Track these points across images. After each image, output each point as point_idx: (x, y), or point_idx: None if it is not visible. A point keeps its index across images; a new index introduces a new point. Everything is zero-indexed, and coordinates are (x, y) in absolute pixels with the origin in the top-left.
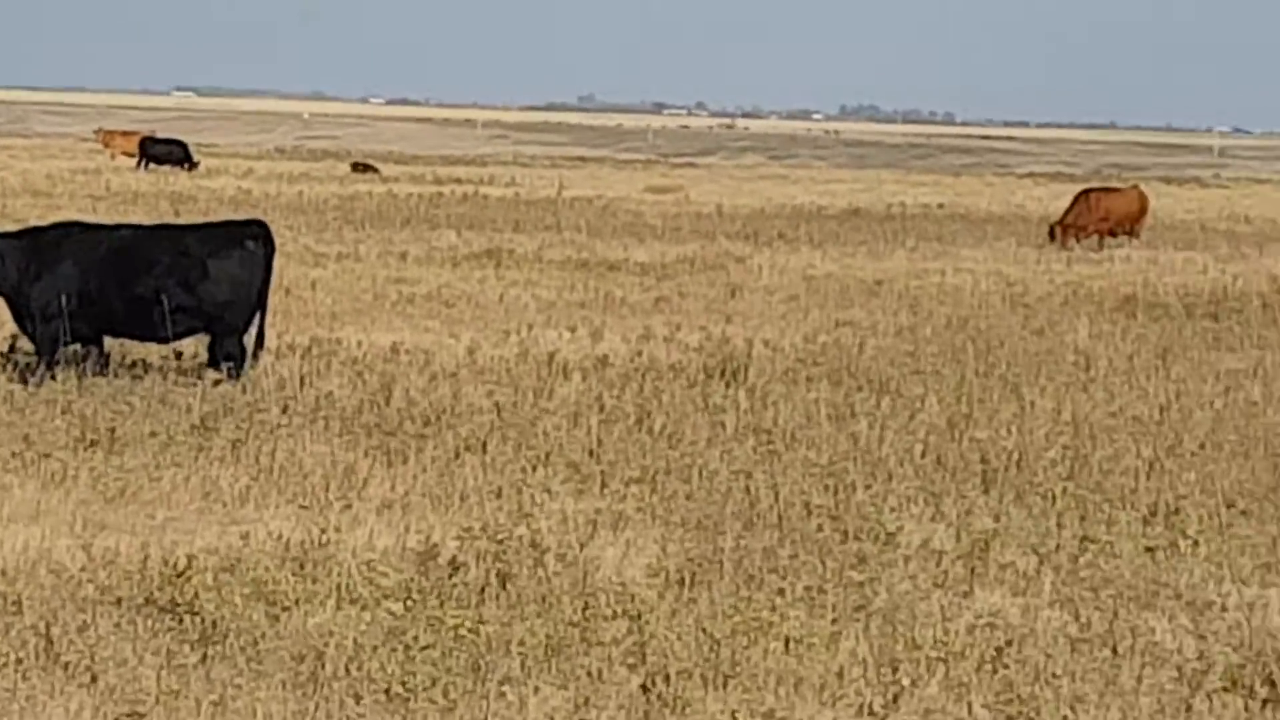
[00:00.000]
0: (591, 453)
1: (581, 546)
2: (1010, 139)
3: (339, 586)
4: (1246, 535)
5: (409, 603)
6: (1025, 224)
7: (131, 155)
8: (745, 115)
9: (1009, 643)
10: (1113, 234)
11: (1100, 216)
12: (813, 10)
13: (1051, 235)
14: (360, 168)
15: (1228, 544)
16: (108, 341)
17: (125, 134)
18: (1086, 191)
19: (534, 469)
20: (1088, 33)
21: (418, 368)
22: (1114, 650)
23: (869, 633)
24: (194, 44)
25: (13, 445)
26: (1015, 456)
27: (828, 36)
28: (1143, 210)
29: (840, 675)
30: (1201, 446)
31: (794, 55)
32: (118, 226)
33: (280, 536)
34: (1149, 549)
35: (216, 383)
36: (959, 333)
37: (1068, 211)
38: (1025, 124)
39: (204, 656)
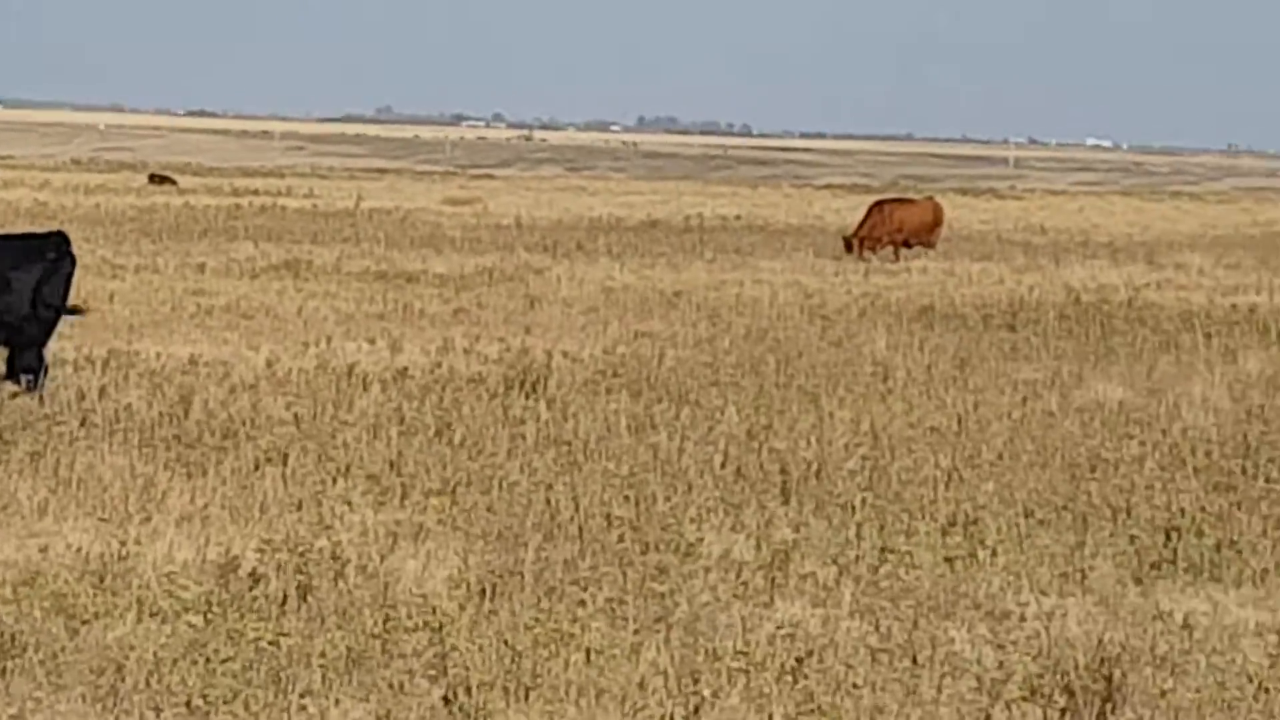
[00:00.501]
0: (391, 464)
1: (382, 558)
2: (808, 150)
3: (139, 599)
4: (1045, 545)
5: (209, 615)
6: (823, 235)
7: None
8: (543, 127)
9: (809, 653)
10: (908, 245)
11: (894, 228)
12: (611, 22)
13: (848, 247)
14: (157, 179)
15: (1026, 554)
16: None
17: None
18: (880, 203)
19: (334, 481)
20: (884, 45)
21: (216, 380)
22: (914, 660)
23: (670, 644)
24: None
25: None
26: (814, 467)
27: (626, 49)
28: (936, 221)
29: (641, 686)
30: (999, 457)
31: (592, 67)
32: None
33: (79, 549)
34: (948, 559)
35: (14, 395)
36: (758, 344)
37: (861, 223)
38: (822, 135)
39: (3, 670)
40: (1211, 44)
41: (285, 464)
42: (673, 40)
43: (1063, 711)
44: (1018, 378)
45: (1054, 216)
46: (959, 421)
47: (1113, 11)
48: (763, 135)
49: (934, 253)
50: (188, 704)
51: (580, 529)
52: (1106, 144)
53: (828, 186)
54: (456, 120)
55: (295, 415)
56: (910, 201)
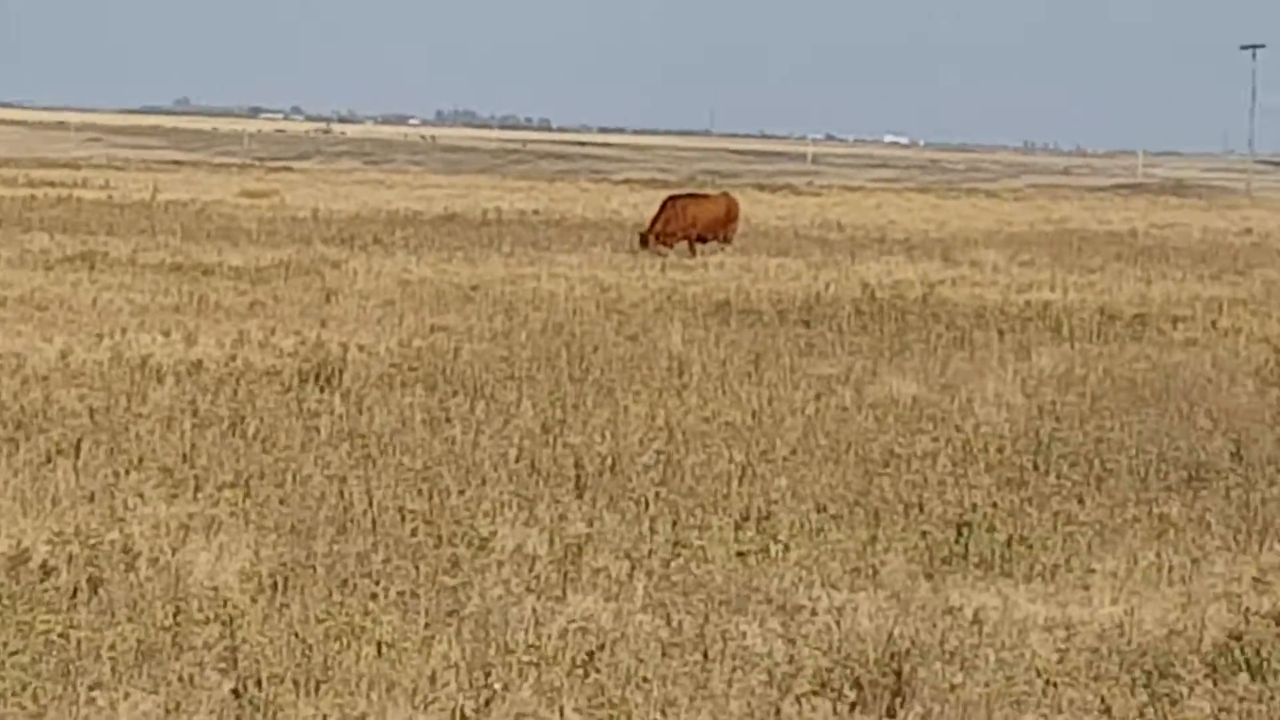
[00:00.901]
0: (185, 457)
1: (174, 551)
2: (606, 145)
3: None
4: (837, 539)
5: None
6: (620, 230)
7: None
8: (342, 120)
9: (601, 647)
10: (703, 240)
11: (688, 223)
12: (409, 15)
13: (643, 242)
14: None
15: (819, 548)
16: None
17: None
18: (673, 198)
19: (126, 473)
20: (683, 41)
21: (9, 371)
22: (705, 654)
23: (461, 637)
24: None
25: None
26: (609, 461)
27: (424, 42)
28: (731, 216)
29: (433, 679)
30: (793, 452)
31: (390, 60)
32: None
33: None
34: (740, 554)
35: None
36: (554, 338)
37: (655, 219)
38: (621, 130)
39: None
40: (1006, 42)
41: (77, 456)
42: (471, 34)
43: (852, 705)
44: (812, 373)
45: (851, 213)
46: (753, 416)
47: (907, 10)
48: (562, 130)
49: (731, 248)
50: None
51: (374, 522)
52: (904, 141)
53: (626, 181)
54: (254, 113)
55: (89, 407)
56: (704, 197)
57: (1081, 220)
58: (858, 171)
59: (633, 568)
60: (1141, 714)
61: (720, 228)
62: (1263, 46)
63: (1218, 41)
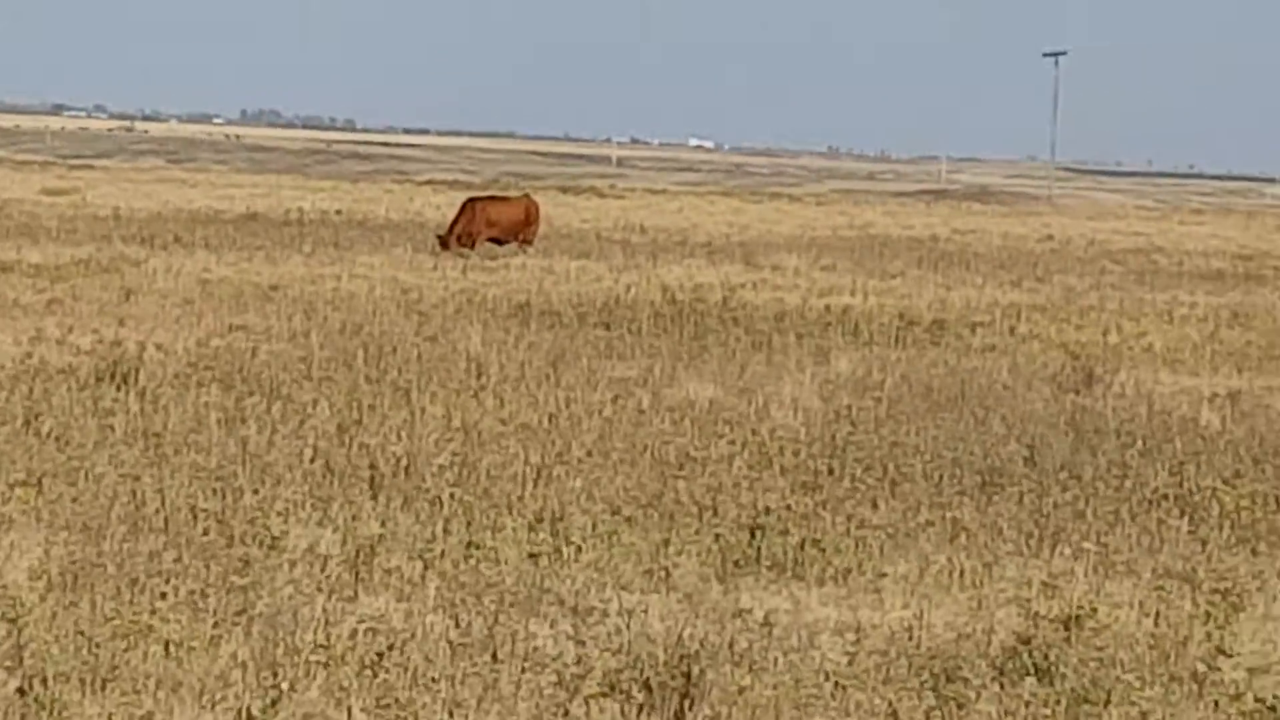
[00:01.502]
0: None
1: None
2: (411, 146)
3: None
4: (631, 542)
5: None
6: (423, 231)
7: None
8: (145, 118)
9: (390, 647)
10: (502, 241)
11: (486, 224)
12: (214, 14)
13: (443, 244)
14: None
15: (611, 550)
16: None
17: None
18: (472, 200)
19: None
20: (490, 43)
21: None
22: (494, 655)
23: (250, 637)
24: None
25: None
26: (404, 462)
27: (229, 41)
28: (530, 218)
29: (221, 679)
30: (589, 454)
31: (195, 59)
32: None
33: None
34: (533, 555)
35: None
36: (352, 338)
37: (456, 220)
38: (426, 131)
39: None
40: (812, 46)
41: None
42: (277, 34)
43: (641, 707)
44: (611, 375)
45: (654, 216)
46: (550, 418)
47: (712, 14)
48: (366, 130)
49: (533, 250)
50: None
51: (166, 521)
52: (709, 145)
53: (429, 182)
54: (57, 110)
55: None
56: (504, 199)
57: (884, 225)
58: (662, 175)
59: (425, 568)
60: (928, 717)
61: (520, 229)
62: (1064, 54)
63: (1021, 48)
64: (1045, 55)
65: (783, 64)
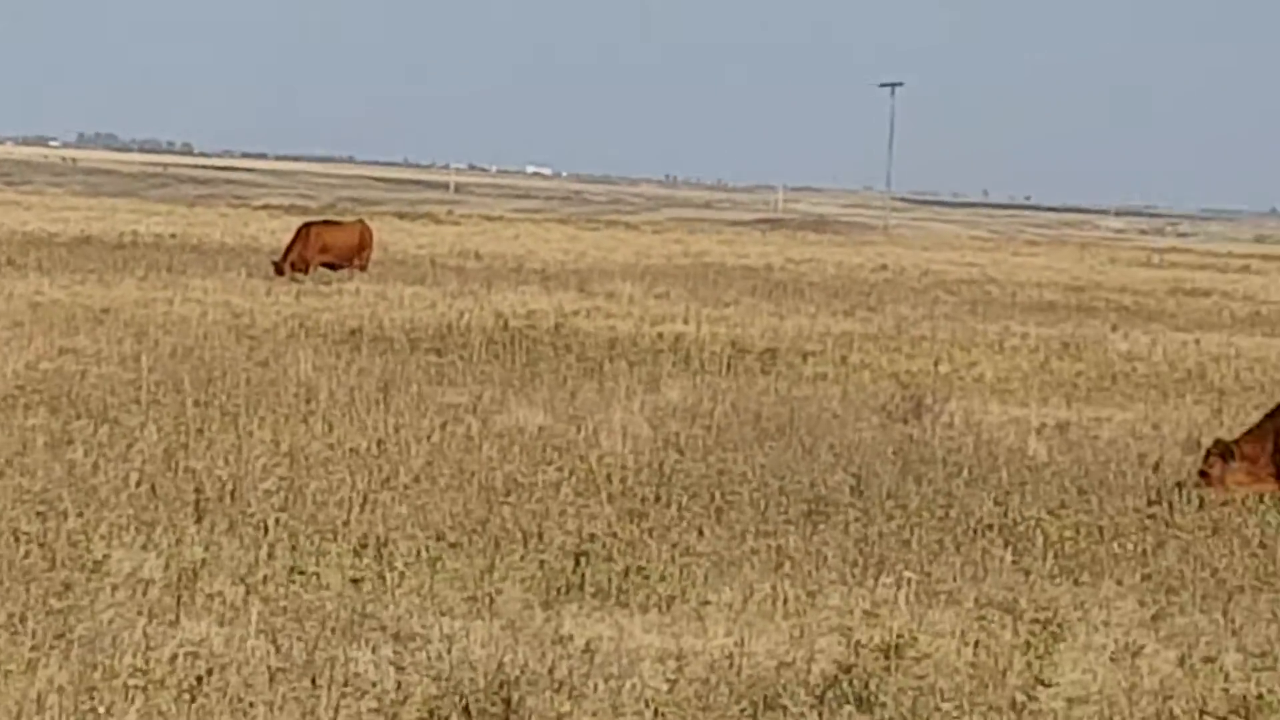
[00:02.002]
0: None
1: None
2: (249, 170)
3: None
4: (455, 568)
5: None
6: (257, 255)
7: None
8: None
9: (210, 671)
10: (335, 267)
11: (319, 249)
12: (50, 36)
13: (278, 270)
14: None
15: (435, 576)
16: None
17: None
18: (306, 225)
19: None
20: (331, 68)
21: None
22: (313, 680)
23: (69, 660)
24: None
25: None
26: (230, 486)
27: (66, 63)
28: (364, 244)
29: (38, 702)
30: (416, 480)
31: (31, 81)
32: None
33: None
34: (355, 580)
35: None
36: (183, 362)
37: (290, 246)
38: (264, 155)
39: None
40: (648, 74)
41: None
42: (114, 57)
43: None
44: (441, 401)
45: (490, 242)
46: (379, 444)
47: (551, 40)
48: (204, 154)
49: (367, 276)
50: None
51: None
52: (547, 172)
53: (265, 207)
54: None
55: None
56: (337, 224)
57: (719, 254)
58: (500, 201)
59: (247, 592)
60: None
61: (355, 255)
62: (900, 84)
63: (858, 79)
64: (882, 85)
65: (622, 92)
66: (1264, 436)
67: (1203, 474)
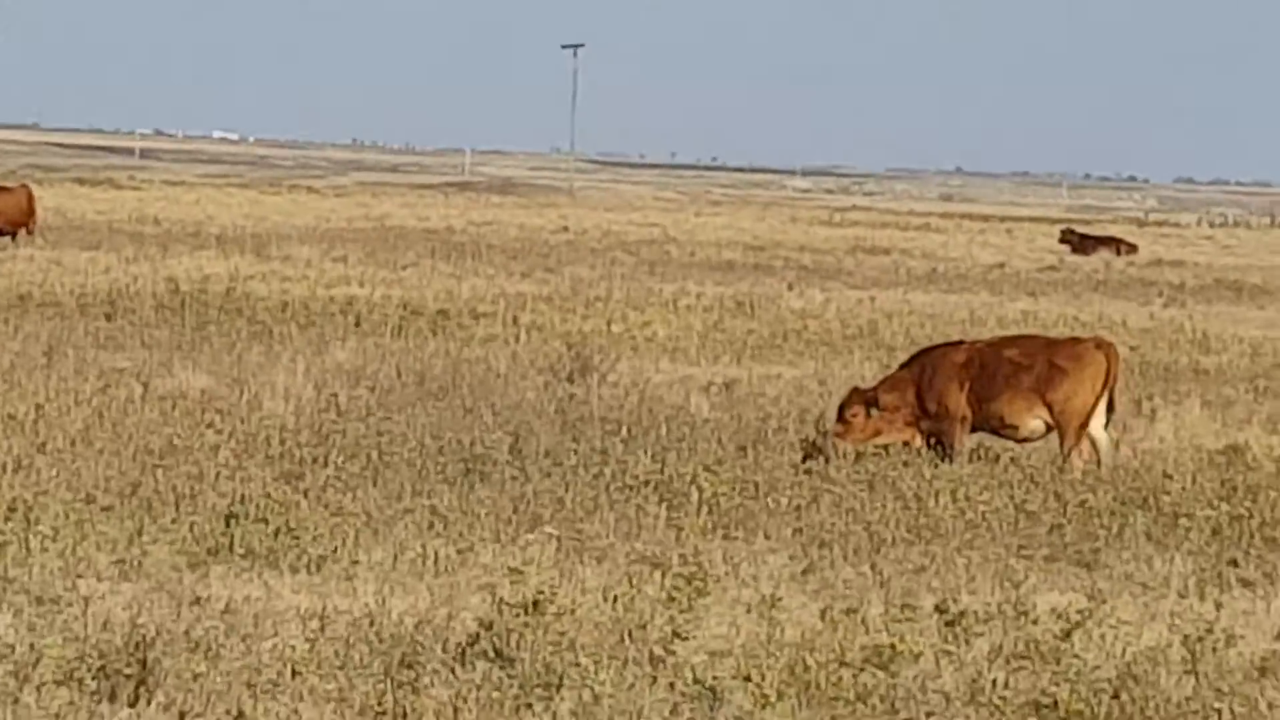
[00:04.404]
0: None
1: None
2: None
3: None
4: (104, 531)
5: None
6: None
7: None
8: None
9: None
10: (4, 233)
11: None
12: None
13: None
14: None
15: (84, 540)
16: None
17: None
18: None
19: None
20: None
21: None
22: None
23: None
24: None
25: None
26: None
27: None
28: (31, 207)
29: None
30: (72, 443)
31: None
32: None
33: None
34: (1, 545)
35: None
36: None
37: None
38: None
39: None
40: (334, 39)
41: None
42: None
43: (94, 694)
44: (107, 365)
45: (170, 208)
46: (38, 409)
47: (235, 8)
48: None
49: (42, 242)
50: None
51: None
52: (233, 137)
53: None
54: None
55: None
56: (4, 188)
57: (401, 217)
58: (186, 167)
59: None
60: (380, 702)
61: (21, 221)
62: (582, 46)
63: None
64: (564, 47)
65: (306, 56)
66: (904, 385)
67: (841, 422)
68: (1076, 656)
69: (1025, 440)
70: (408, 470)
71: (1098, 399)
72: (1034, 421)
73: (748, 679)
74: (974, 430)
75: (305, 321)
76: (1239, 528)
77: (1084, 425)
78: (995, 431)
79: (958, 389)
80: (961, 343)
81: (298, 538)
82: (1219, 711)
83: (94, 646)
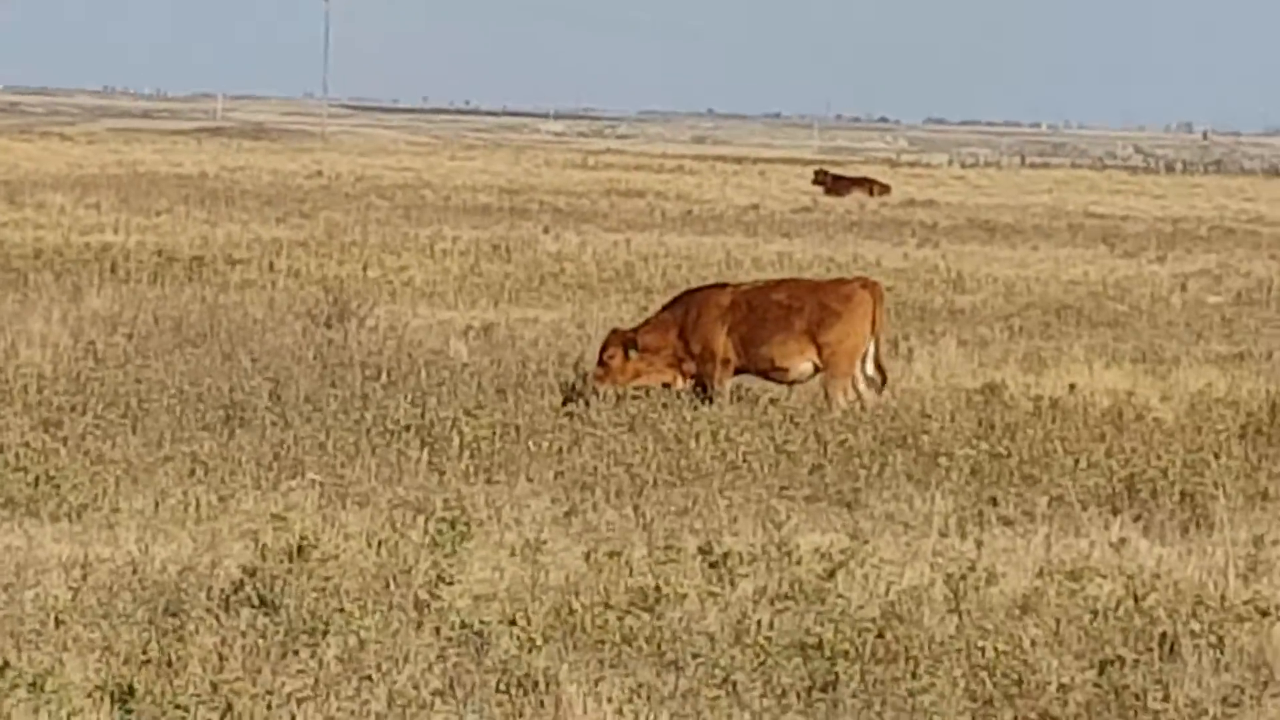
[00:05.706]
0: None
1: None
2: None
3: None
4: None
5: None
6: None
7: None
8: None
9: None
10: None
11: None
12: None
13: None
14: None
15: None
16: None
17: None
18: None
19: None
20: None
21: None
22: None
23: None
24: None
25: None
26: None
27: None
28: None
29: None
30: None
31: None
32: None
33: None
34: None
35: None
36: None
37: None
38: None
39: None
40: None
41: None
42: None
43: None
44: None
45: None
46: None
47: None
48: None
49: None
50: None
51: None
52: None
53: None
54: None
55: None
56: None
57: (154, 163)
58: None
59: None
60: (145, 650)
61: None
62: None
63: None
64: None
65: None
66: (666, 327)
67: (601, 365)
68: (840, 596)
69: (793, 383)
70: (167, 417)
71: (867, 340)
72: (804, 364)
73: (513, 623)
74: (740, 373)
75: (60, 269)
76: (998, 466)
77: (852, 366)
78: (764, 374)
79: (721, 331)
80: (725, 285)
81: (58, 486)
82: (982, 649)
83: None
